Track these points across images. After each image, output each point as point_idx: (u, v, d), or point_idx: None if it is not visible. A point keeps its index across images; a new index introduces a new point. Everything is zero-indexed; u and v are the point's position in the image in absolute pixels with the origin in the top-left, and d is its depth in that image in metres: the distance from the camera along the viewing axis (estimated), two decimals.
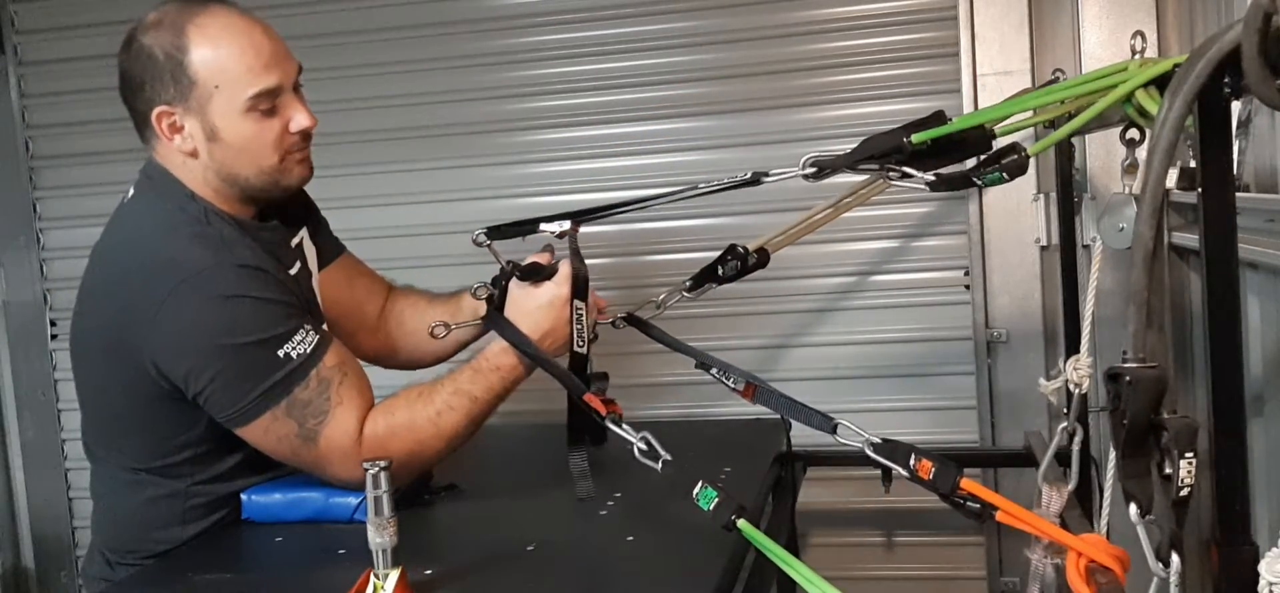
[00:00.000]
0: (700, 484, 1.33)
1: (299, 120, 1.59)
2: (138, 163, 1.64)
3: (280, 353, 1.49)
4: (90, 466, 1.71)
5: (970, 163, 1.52)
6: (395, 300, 1.96)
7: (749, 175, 1.64)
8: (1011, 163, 1.43)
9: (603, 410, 1.48)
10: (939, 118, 1.47)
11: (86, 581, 1.71)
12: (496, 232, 1.74)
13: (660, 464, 1.37)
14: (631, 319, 1.81)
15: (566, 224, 1.67)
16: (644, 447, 1.40)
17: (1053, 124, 1.83)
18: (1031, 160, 2.37)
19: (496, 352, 1.61)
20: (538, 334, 1.61)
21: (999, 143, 1.52)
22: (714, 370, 1.58)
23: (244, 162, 1.57)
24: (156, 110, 1.55)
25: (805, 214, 1.91)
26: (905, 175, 1.47)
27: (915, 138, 1.44)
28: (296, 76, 1.61)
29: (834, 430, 1.38)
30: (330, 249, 1.87)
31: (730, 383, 1.55)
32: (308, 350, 1.51)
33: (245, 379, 1.48)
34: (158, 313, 1.48)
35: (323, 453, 1.52)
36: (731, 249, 1.86)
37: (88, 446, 1.70)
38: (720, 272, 1.85)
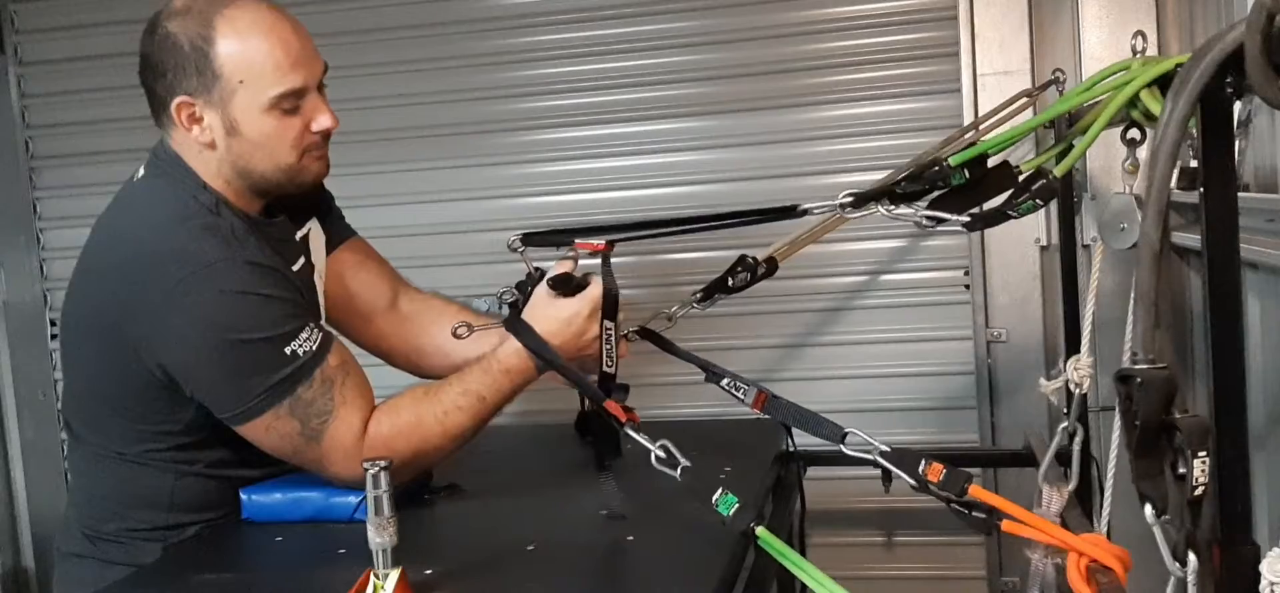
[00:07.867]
0: (720, 490, 1.33)
1: (321, 121, 1.57)
2: (138, 163, 1.63)
3: (287, 350, 1.47)
4: (69, 441, 1.69)
5: (1001, 198, 1.54)
6: (419, 303, 1.90)
7: (789, 205, 1.68)
8: (1042, 187, 1.44)
9: (623, 418, 1.48)
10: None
11: (61, 557, 1.65)
12: (531, 239, 1.76)
13: (679, 471, 1.37)
14: (645, 333, 1.83)
15: (600, 242, 1.64)
16: (662, 455, 1.39)
17: (1052, 124, 1.84)
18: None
19: (508, 353, 1.59)
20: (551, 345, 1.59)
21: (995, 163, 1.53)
22: (724, 382, 1.59)
23: (261, 158, 1.55)
24: (177, 100, 1.52)
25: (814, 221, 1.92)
26: (939, 219, 1.49)
27: (955, 171, 1.47)
28: (321, 75, 1.58)
29: (843, 439, 1.38)
30: (338, 234, 1.83)
31: (740, 394, 1.57)
32: (313, 348, 1.49)
33: (250, 376, 1.47)
34: (163, 305, 1.46)
35: (326, 452, 1.51)
36: (742, 260, 1.87)
37: (68, 422, 1.68)
38: (730, 282, 1.86)
